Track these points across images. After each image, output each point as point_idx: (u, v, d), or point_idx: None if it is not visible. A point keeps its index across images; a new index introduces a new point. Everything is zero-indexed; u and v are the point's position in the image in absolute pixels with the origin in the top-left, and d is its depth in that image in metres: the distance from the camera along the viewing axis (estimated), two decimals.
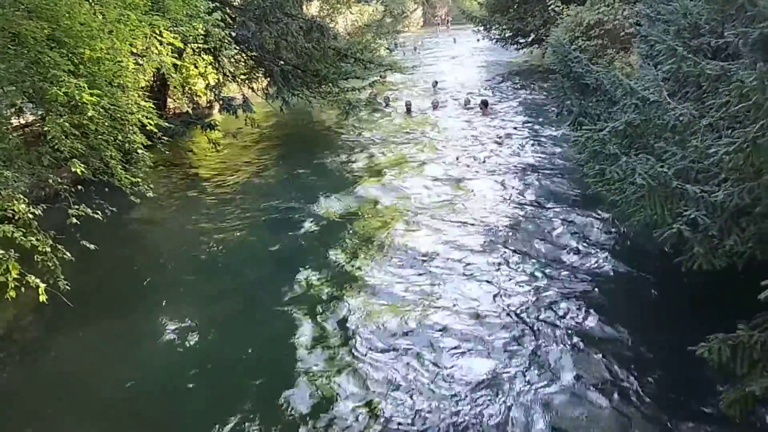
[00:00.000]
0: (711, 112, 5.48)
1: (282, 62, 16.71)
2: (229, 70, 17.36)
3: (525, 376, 5.72)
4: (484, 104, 18.33)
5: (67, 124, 6.85)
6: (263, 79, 18.02)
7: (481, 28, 30.84)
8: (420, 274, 7.90)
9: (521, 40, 28.76)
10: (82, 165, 6.96)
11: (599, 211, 9.06)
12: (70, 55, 7.15)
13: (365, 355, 6.25)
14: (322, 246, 9.05)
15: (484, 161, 13.18)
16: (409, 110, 19.28)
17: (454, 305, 7.04)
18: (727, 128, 5.25)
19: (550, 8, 21.58)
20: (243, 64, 17.82)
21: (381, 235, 9.29)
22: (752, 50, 5.18)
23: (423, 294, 7.39)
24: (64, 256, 6.44)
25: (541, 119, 16.43)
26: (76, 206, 6.92)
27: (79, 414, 5.65)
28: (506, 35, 29.22)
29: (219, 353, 6.52)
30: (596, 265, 7.80)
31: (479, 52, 34.53)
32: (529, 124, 16.32)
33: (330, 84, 17.29)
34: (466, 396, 5.49)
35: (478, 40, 32.66)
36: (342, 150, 15.40)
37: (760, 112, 4.17)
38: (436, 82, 23.66)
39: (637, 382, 5.46)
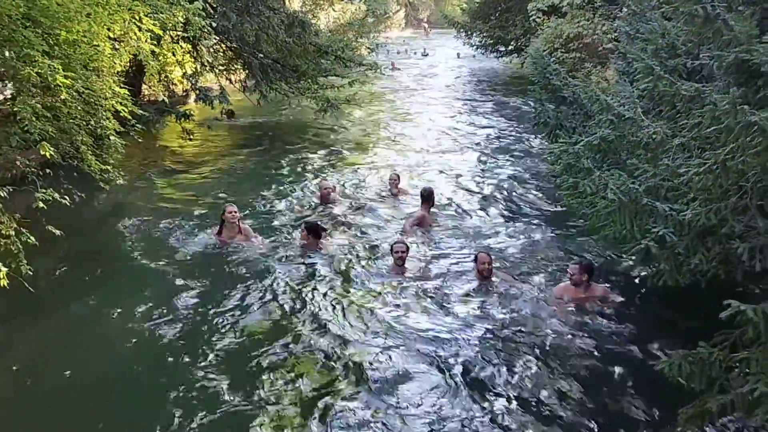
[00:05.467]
0: (683, 132, 5.57)
1: (261, 55, 16.60)
2: (208, 60, 17.19)
3: (488, 387, 5.73)
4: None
5: (38, 106, 6.71)
6: (241, 71, 17.88)
7: (462, 34, 31.13)
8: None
9: (501, 49, 29.07)
10: (52, 148, 6.82)
11: (571, 224, 9.17)
12: (46, 35, 7.02)
13: None
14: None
15: None
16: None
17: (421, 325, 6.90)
18: (698, 149, 5.36)
19: (531, 19, 21.85)
20: (222, 54, 17.67)
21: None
22: (726, 74, 5.29)
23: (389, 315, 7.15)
24: (29, 240, 6.30)
25: None
26: (44, 190, 6.78)
27: (34, 402, 5.50)
28: (487, 43, 29.51)
29: (180, 344, 6.39)
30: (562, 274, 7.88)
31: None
32: None
33: (309, 80, 17.23)
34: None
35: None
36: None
37: (730, 135, 4.25)
38: (397, 177, 11.48)
39: (594, 392, 5.53)
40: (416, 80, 29.22)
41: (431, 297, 7.45)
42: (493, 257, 7.75)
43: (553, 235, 9.24)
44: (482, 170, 13.42)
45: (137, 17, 7.74)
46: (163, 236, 9.14)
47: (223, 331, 6.63)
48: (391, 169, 12.58)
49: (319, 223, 8.81)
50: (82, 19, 7.04)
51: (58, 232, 6.96)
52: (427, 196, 9.65)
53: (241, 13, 15.38)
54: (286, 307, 7.20)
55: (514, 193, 11.60)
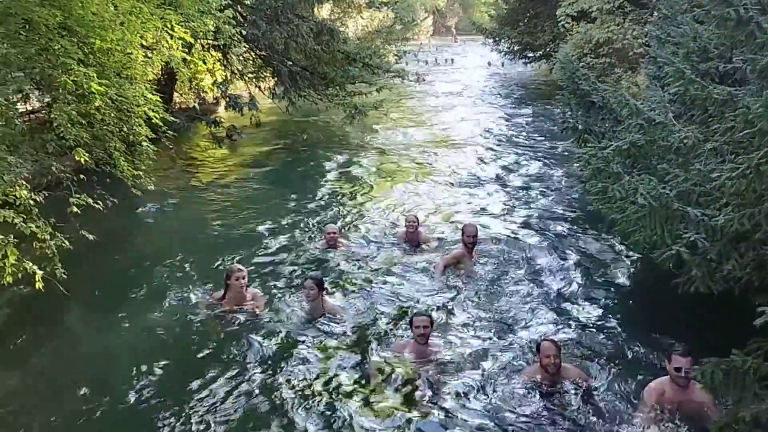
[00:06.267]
0: (716, 136, 5.50)
1: (290, 63, 16.80)
2: (237, 68, 17.45)
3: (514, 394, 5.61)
4: None
5: (74, 113, 6.88)
6: (270, 78, 18.09)
7: (491, 41, 31.13)
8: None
9: (530, 55, 28.97)
10: (86, 154, 6.99)
11: (598, 229, 9.06)
12: (81, 44, 7.20)
13: None
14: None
15: None
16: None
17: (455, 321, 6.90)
18: (731, 153, 5.28)
19: (560, 24, 21.74)
20: (251, 62, 17.93)
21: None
22: (760, 77, 5.21)
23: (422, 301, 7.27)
24: (63, 244, 6.44)
25: None
26: (78, 195, 6.93)
27: (60, 404, 5.56)
28: (515, 49, 29.47)
29: (208, 350, 6.41)
30: (594, 282, 7.80)
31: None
32: None
33: (337, 87, 17.36)
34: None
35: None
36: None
37: (764, 139, 4.19)
38: (415, 219, 9.39)
39: (627, 401, 5.45)
40: (444, 93, 28.35)
41: (469, 397, 5.56)
42: (561, 346, 5.67)
43: (620, 290, 7.80)
44: (518, 197, 11.92)
45: (169, 26, 7.89)
46: (192, 242, 9.27)
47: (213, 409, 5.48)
48: (408, 204, 11.44)
49: (323, 278, 7.28)
50: (115, 28, 7.20)
51: (91, 237, 7.11)
52: (469, 234, 8.16)
53: (271, 22, 15.58)
54: (285, 397, 5.58)
55: (562, 229, 9.89)
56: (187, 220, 10.59)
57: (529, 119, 20.71)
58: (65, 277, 6.33)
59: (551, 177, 13.06)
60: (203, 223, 10.43)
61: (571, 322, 6.88)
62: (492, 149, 16.36)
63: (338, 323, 6.83)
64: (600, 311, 7.17)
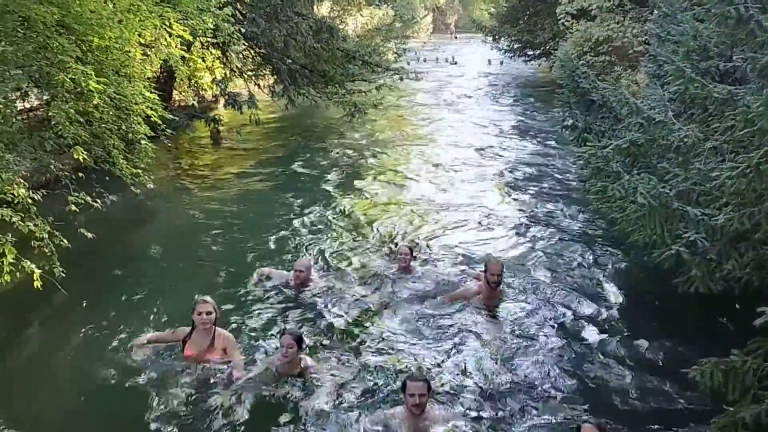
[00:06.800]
0: (716, 135, 5.49)
1: (290, 61, 16.77)
2: (237, 66, 17.41)
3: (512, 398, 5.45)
4: None
5: (72, 111, 6.87)
6: (270, 76, 18.06)
7: (490, 38, 31.15)
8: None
9: (530, 53, 29.00)
10: (85, 152, 6.97)
11: (599, 229, 9.04)
12: (79, 42, 7.19)
13: None
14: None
15: None
16: None
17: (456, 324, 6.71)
18: (731, 152, 5.27)
19: (559, 22, 21.73)
20: (251, 60, 17.89)
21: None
22: (760, 76, 5.20)
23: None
24: (62, 242, 6.42)
25: None
26: (76, 193, 6.92)
27: (58, 404, 5.51)
28: (515, 47, 29.51)
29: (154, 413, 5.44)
30: (592, 281, 7.76)
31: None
32: None
33: (336, 85, 17.33)
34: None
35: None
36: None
37: (764, 138, 4.18)
38: (409, 251, 7.87)
39: (626, 402, 5.43)
40: (442, 94, 27.45)
41: None
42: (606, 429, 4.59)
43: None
44: (521, 210, 10.78)
45: (168, 23, 7.88)
46: (192, 240, 9.24)
47: None
48: (402, 223, 9.92)
49: (302, 334, 5.78)
50: (113, 26, 7.19)
51: (90, 235, 7.09)
52: (494, 272, 6.78)
53: (270, 19, 15.55)
54: None
55: (574, 246, 8.77)
56: (181, 222, 10.42)
57: (528, 118, 20.66)
58: (63, 275, 6.31)
59: (550, 179, 12.99)
60: (193, 227, 9.99)
61: (604, 384, 5.66)
62: (490, 150, 16.20)
63: (316, 386, 5.43)
64: (596, 305, 6.82)
